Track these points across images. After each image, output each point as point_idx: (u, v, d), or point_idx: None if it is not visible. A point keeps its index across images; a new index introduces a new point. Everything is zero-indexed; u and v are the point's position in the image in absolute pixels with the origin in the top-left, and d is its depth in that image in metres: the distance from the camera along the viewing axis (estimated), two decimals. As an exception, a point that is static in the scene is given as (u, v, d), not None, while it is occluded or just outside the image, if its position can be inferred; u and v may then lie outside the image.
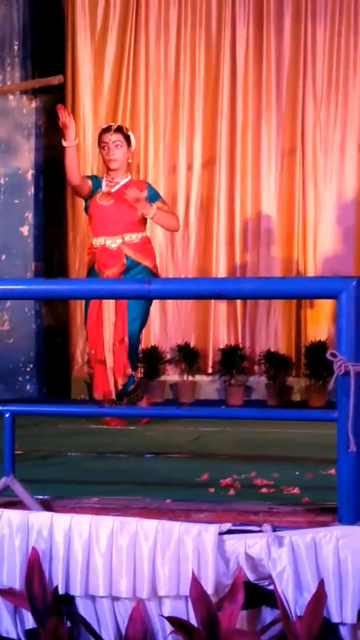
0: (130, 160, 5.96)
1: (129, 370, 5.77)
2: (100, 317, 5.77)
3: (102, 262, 5.76)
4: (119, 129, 5.95)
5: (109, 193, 5.83)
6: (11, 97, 7.67)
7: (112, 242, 5.78)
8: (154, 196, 5.89)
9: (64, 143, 5.71)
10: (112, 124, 6.26)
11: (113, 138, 5.85)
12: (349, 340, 2.68)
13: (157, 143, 7.81)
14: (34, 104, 7.70)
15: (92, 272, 5.84)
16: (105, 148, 5.86)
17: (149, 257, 5.83)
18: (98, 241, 5.82)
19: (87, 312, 5.86)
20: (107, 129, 5.97)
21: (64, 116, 5.63)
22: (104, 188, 5.87)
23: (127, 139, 5.90)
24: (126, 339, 5.74)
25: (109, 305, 5.75)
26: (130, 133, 6.00)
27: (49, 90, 7.43)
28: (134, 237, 5.80)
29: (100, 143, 5.91)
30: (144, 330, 7.60)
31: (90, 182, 5.92)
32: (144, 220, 5.86)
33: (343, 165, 7.61)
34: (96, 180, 5.94)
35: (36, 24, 7.88)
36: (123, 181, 5.88)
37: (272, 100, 7.70)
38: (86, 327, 5.92)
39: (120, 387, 5.75)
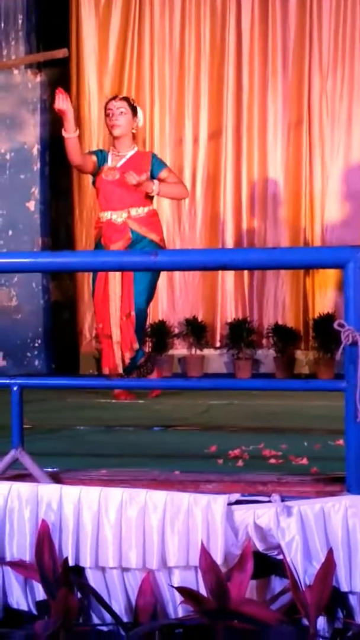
0: (134, 131, 5.92)
1: (136, 344, 5.77)
2: (107, 291, 5.76)
3: (108, 237, 5.75)
4: (125, 98, 5.94)
5: (114, 168, 5.80)
6: (16, 71, 7.64)
7: (118, 217, 5.77)
8: (159, 166, 5.86)
9: (64, 134, 5.65)
10: (118, 94, 6.24)
11: (117, 104, 5.83)
12: (357, 310, 2.66)
13: (163, 116, 7.78)
14: (38, 78, 7.66)
15: (98, 247, 5.83)
16: (109, 115, 5.83)
17: (154, 231, 5.80)
18: (104, 215, 5.81)
19: (94, 287, 5.86)
20: (113, 97, 5.98)
21: (60, 101, 5.51)
22: (110, 162, 5.85)
23: (133, 109, 5.87)
24: (133, 312, 5.73)
25: (115, 279, 5.74)
26: (137, 105, 5.97)
27: (53, 64, 7.40)
28: (140, 211, 5.78)
29: (106, 111, 5.89)
30: (151, 305, 7.62)
31: (94, 158, 5.88)
32: (150, 195, 5.84)
33: (350, 136, 7.58)
34: (102, 155, 5.91)
35: (40, -3, 7.85)
36: (129, 154, 5.85)
37: (278, 71, 7.66)
38: (93, 301, 5.92)
39: (127, 361, 5.75)
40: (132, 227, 5.74)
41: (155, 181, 5.73)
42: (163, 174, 5.82)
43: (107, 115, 5.87)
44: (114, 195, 5.78)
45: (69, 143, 5.71)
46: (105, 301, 5.78)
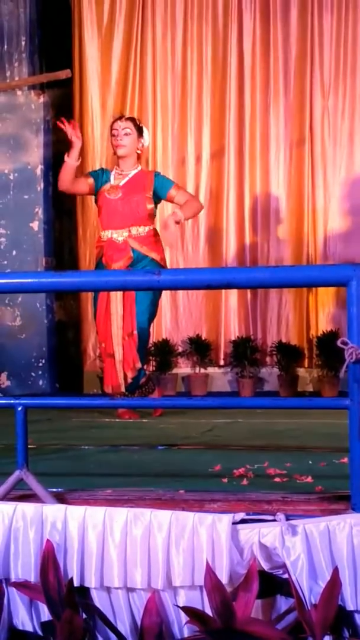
0: (139, 151, 5.95)
1: (138, 364, 5.77)
2: (109, 310, 5.77)
3: (109, 256, 5.76)
4: (131, 118, 5.98)
5: (117, 186, 5.82)
6: (19, 92, 7.68)
7: (119, 236, 5.78)
8: (165, 184, 5.88)
9: (67, 160, 5.71)
10: (123, 114, 6.26)
11: (123, 125, 5.87)
12: (360, 328, 2.67)
13: (166, 135, 7.81)
14: (42, 99, 7.70)
15: (99, 266, 5.85)
16: (115, 135, 5.87)
17: (155, 250, 5.81)
18: (105, 234, 5.83)
19: (96, 306, 5.87)
20: (119, 117, 6.00)
21: (73, 130, 5.70)
22: (113, 181, 5.87)
23: (139, 129, 5.90)
24: (135, 332, 5.73)
25: (116, 298, 5.75)
26: (143, 126, 6.00)
27: (57, 84, 7.45)
28: (141, 230, 5.80)
29: (111, 131, 5.92)
30: (155, 323, 7.63)
31: (90, 181, 5.92)
32: (152, 214, 5.86)
33: (352, 154, 7.60)
34: (103, 174, 5.93)
35: (43, 19, 7.89)
36: (132, 172, 5.87)
37: (279, 91, 7.70)
38: (96, 320, 5.93)
39: (130, 380, 5.75)
40: (132, 246, 5.75)
41: (176, 211, 5.73)
42: (172, 192, 5.84)
43: (112, 135, 5.90)
44: (115, 213, 5.79)
45: (67, 168, 5.78)
46: (107, 320, 5.79)
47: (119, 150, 5.86)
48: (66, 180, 5.86)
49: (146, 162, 7.74)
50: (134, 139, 5.87)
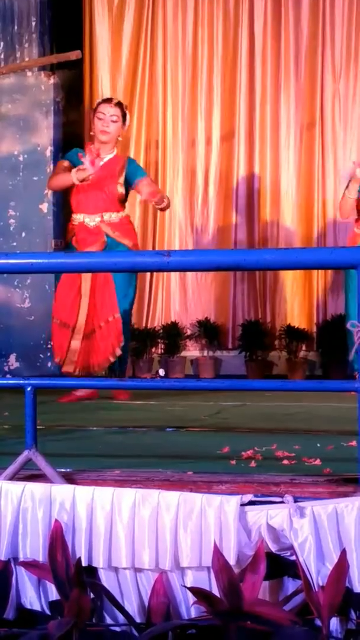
0: (120, 139, 5.92)
1: (118, 351, 5.71)
2: (79, 292, 5.74)
3: (82, 239, 5.73)
4: (119, 104, 5.89)
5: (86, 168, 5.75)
6: (29, 73, 7.66)
7: (91, 220, 5.77)
8: (137, 172, 5.84)
9: (74, 178, 5.66)
10: (112, 98, 6.17)
11: (112, 111, 5.80)
12: (370, 310, 2.66)
13: (176, 117, 7.79)
14: (52, 80, 7.67)
15: (70, 248, 5.82)
16: (101, 118, 5.80)
17: (127, 236, 5.78)
18: (77, 218, 5.81)
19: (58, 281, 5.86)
20: (107, 100, 5.94)
21: (91, 163, 5.61)
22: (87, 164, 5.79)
23: (124, 115, 5.87)
24: (117, 315, 5.69)
25: (86, 285, 5.71)
26: (127, 111, 5.96)
27: (67, 66, 7.42)
28: (114, 216, 5.78)
29: (97, 112, 5.83)
30: (163, 306, 7.64)
31: (65, 164, 5.84)
32: (123, 199, 5.82)
33: (363, 138, 7.57)
34: (77, 156, 5.84)
35: (53, -1, 7.87)
36: (106, 157, 5.82)
37: (290, 74, 7.66)
38: (57, 294, 5.88)
39: (107, 365, 5.71)
40: (105, 232, 5.73)
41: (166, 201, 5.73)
42: (144, 182, 5.78)
43: (97, 117, 5.82)
44: (87, 198, 5.76)
45: (65, 181, 5.75)
46: (76, 300, 5.74)
47: (102, 136, 5.80)
48: (57, 187, 5.95)
49: (156, 143, 7.74)
50: (118, 126, 5.83)
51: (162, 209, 5.99)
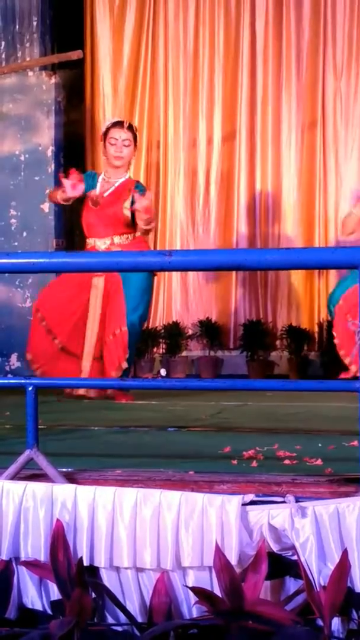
0: (132, 161, 5.92)
1: (125, 364, 5.69)
2: (87, 309, 5.73)
3: None
4: (131, 128, 5.86)
5: (98, 196, 5.76)
6: (30, 73, 7.66)
7: (102, 244, 5.79)
8: (140, 191, 5.81)
9: (59, 197, 5.69)
10: (122, 120, 6.10)
11: (124, 136, 5.78)
12: (371, 310, 2.66)
13: (177, 117, 7.79)
14: (53, 80, 7.68)
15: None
16: (114, 144, 5.77)
17: None
18: (89, 242, 5.87)
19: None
20: (118, 124, 5.87)
21: (75, 183, 5.62)
22: (98, 190, 5.79)
23: (135, 138, 5.85)
24: (124, 328, 5.67)
25: (96, 300, 5.71)
26: (137, 133, 5.96)
27: (68, 65, 7.43)
28: (124, 238, 5.78)
29: (108, 137, 5.80)
30: (164, 305, 7.63)
31: (82, 187, 5.81)
32: (130, 223, 5.81)
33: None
34: (92, 179, 5.84)
35: (54, -1, 7.87)
36: (118, 182, 5.81)
37: (292, 73, 7.66)
38: (51, 289, 5.88)
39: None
40: None
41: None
42: (145, 195, 5.76)
43: (110, 143, 5.79)
44: (96, 224, 5.79)
45: (60, 198, 5.79)
46: (83, 320, 5.73)
47: (116, 161, 5.79)
48: (51, 200, 6.05)
49: (157, 144, 7.74)
50: (131, 150, 5.83)
51: (146, 231, 5.91)
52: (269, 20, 7.70)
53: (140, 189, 5.84)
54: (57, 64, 7.43)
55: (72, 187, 5.61)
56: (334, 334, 6.27)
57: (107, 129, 5.88)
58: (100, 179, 5.82)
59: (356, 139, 7.58)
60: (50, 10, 7.87)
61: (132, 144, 5.81)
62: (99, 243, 5.79)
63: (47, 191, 6.13)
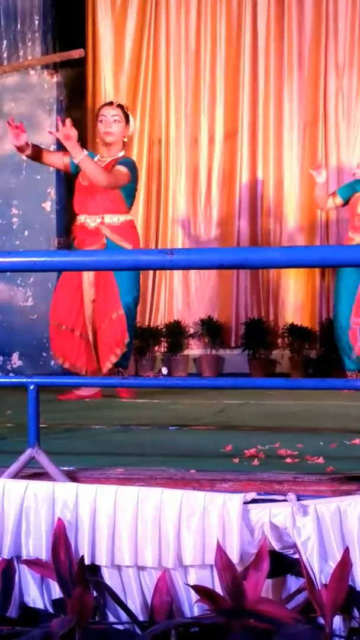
0: (125, 139, 5.90)
1: (121, 348, 5.71)
2: (80, 294, 5.74)
3: (81, 239, 5.74)
4: (120, 106, 5.91)
5: None
6: (32, 72, 7.67)
7: (92, 221, 5.76)
8: (120, 163, 5.79)
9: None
10: (113, 100, 6.17)
11: (112, 112, 5.81)
12: (373, 309, 2.66)
13: (179, 116, 7.79)
14: (55, 79, 7.68)
15: (72, 249, 5.83)
16: (103, 121, 5.81)
17: (127, 240, 5.73)
18: (79, 219, 5.83)
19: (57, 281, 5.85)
20: (108, 103, 5.96)
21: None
22: None
23: (127, 117, 5.86)
24: (121, 312, 5.69)
25: (88, 283, 5.71)
26: (129, 113, 5.95)
27: (70, 64, 7.43)
28: (115, 219, 5.77)
29: (99, 116, 5.85)
30: (166, 304, 7.64)
31: (66, 160, 5.79)
32: (123, 200, 5.80)
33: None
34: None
35: (56, -3, 7.87)
36: (108, 160, 5.81)
37: (293, 71, 7.66)
38: (55, 297, 5.88)
39: (112, 364, 5.70)
40: (104, 233, 5.72)
41: (84, 150, 5.58)
42: (115, 167, 5.73)
43: (100, 121, 5.83)
44: (87, 200, 5.77)
45: (54, 164, 5.83)
46: (76, 300, 5.74)
47: (107, 137, 5.80)
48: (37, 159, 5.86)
49: (159, 142, 7.74)
50: (122, 126, 5.82)
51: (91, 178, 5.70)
52: (270, 17, 7.70)
53: (122, 162, 5.82)
54: (58, 62, 7.44)
55: (15, 136, 5.57)
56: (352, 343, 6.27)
57: (98, 110, 5.96)
58: (96, 159, 5.80)
59: (357, 136, 7.58)
60: (52, 9, 7.87)
61: (123, 120, 5.81)
62: (89, 220, 5.78)
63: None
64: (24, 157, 5.80)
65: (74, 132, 5.45)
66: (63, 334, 5.76)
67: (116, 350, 5.69)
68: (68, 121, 5.44)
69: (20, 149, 5.65)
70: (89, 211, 5.78)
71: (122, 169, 5.71)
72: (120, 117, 5.80)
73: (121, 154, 5.88)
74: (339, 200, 6.54)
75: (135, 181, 5.89)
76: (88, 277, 5.73)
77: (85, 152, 5.57)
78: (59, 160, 5.88)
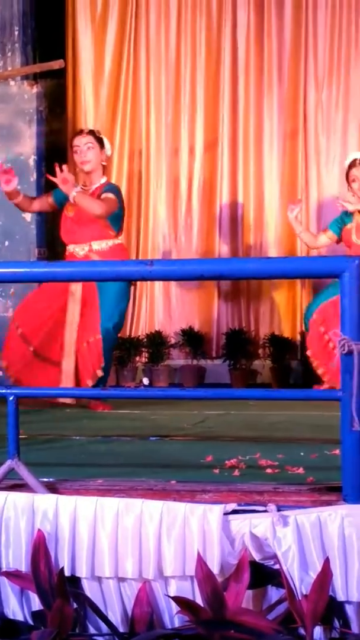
0: (104, 163, 5.92)
1: (100, 372, 5.69)
2: (59, 314, 5.74)
3: None
4: (91, 132, 5.95)
5: (72, 204, 5.77)
6: (12, 82, 7.65)
7: (80, 250, 5.82)
8: (105, 189, 5.85)
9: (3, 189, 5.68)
10: (83, 128, 6.25)
11: (84, 140, 5.86)
12: (352, 319, 2.67)
13: (159, 126, 7.79)
14: (35, 90, 7.68)
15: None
16: (77, 152, 5.85)
17: None
18: (68, 249, 5.91)
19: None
20: (78, 133, 6.01)
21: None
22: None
23: (100, 141, 5.89)
24: (98, 336, 5.68)
25: (74, 305, 5.72)
26: (103, 137, 5.99)
27: (50, 75, 7.43)
28: (104, 245, 5.81)
29: (72, 147, 5.90)
30: (147, 314, 7.64)
31: (50, 200, 5.96)
32: (108, 225, 5.83)
33: (345, 147, 7.57)
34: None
35: (36, 9, 7.85)
36: (93, 188, 5.84)
37: (273, 83, 7.68)
38: (28, 302, 5.89)
39: (91, 384, 5.69)
40: (94, 260, 5.72)
41: (77, 188, 5.70)
42: (103, 195, 5.79)
43: (75, 152, 5.87)
44: (72, 230, 5.83)
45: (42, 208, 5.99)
46: (47, 323, 5.74)
47: (84, 166, 5.85)
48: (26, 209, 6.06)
49: (139, 153, 7.75)
50: (96, 152, 5.86)
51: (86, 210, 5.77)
52: (250, 30, 7.72)
53: (108, 189, 5.84)
54: (38, 73, 7.43)
55: (5, 182, 5.64)
56: (308, 346, 6.44)
57: (71, 141, 6.00)
58: (78, 188, 5.81)
59: (337, 149, 7.60)
60: (32, 20, 7.86)
61: (97, 146, 5.85)
62: (77, 249, 5.82)
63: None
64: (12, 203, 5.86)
65: (70, 177, 5.64)
66: (16, 340, 5.72)
67: (92, 373, 5.67)
68: (65, 167, 5.62)
69: (9, 195, 5.71)
70: (76, 240, 5.84)
71: (111, 195, 5.79)
72: (93, 144, 5.84)
73: (103, 179, 5.92)
74: (332, 235, 6.59)
75: (121, 207, 5.93)
76: (75, 300, 5.72)
77: (77, 187, 5.64)
78: (45, 204, 6.04)
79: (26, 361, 5.72)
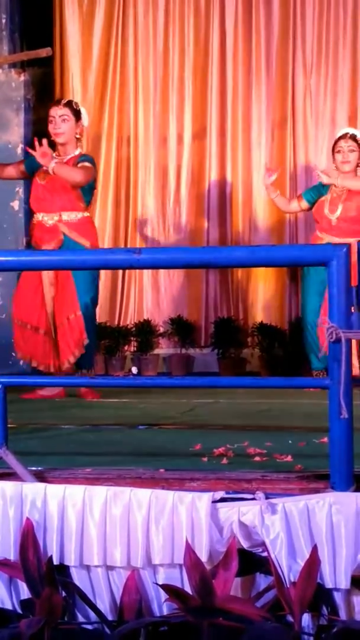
0: (78, 136, 5.89)
1: (80, 349, 5.69)
2: (41, 290, 5.74)
3: (39, 237, 5.76)
4: (68, 104, 5.89)
5: (45, 171, 5.75)
6: (-1, 70, 7.63)
7: (49, 219, 5.78)
8: (80, 159, 5.81)
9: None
10: (61, 98, 6.16)
11: (60, 112, 5.80)
12: (340, 307, 2.67)
13: (147, 115, 7.78)
14: (22, 78, 7.65)
15: (30, 247, 5.85)
16: (52, 122, 5.81)
17: (85, 236, 5.74)
18: (36, 217, 5.85)
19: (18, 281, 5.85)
20: (55, 103, 5.95)
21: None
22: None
23: (76, 113, 5.84)
24: (79, 312, 5.69)
25: (47, 282, 5.72)
26: (81, 108, 5.93)
27: (37, 63, 7.40)
28: (72, 216, 5.78)
29: (48, 117, 5.85)
30: (136, 303, 7.63)
31: (21, 167, 5.93)
32: (80, 197, 5.80)
33: (333, 134, 7.54)
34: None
35: (23, -4, 7.84)
36: (66, 158, 5.81)
37: (262, 71, 7.67)
38: (17, 295, 5.88)
39: (74, 359, 5.70)
40: (62, 231, 5.72)
41: (55, 158, 5.66)
42: (80, 164, 5.75)
43: (50, 122, 5.83)
44: (43, 198, 5.79)
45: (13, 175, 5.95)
46: (42, 303, 5.75)
47: (57, 138, 5.81)
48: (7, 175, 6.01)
49: (127, 140, 7.74)
50: (71, 125, 5.81)
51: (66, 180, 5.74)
52: (238, 18, 7.71)
53: (84, 158, 5.82)
54: (26, 61, 7.40)
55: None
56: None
57: (48, 111, 5.93)
58: (55, 159, 5.77)
59: (326, 136, 7.60)
60: (19, 7, 7.83)
61: (72, 118, 5.80)
62: (47, 218, 5.78)
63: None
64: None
65: (49, 151, 5.60)
66: (28, 333, 5.75)
67: (74, 351, 5.68)
68: (44, 141, 5.57)
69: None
70: (46, 209, 5.79)
71: (88, 164, 5.74)
72: (69, 116, 5.79)
73: (77, 151, 5.87)
74: (304, 204, 6.56)
75: (94, 179, 5.91)
76: (48, 275, 5.72)
77: (55, 158, 5.61)
78: (15, 171, 5.99)
79: (44, 345, 5.76)
